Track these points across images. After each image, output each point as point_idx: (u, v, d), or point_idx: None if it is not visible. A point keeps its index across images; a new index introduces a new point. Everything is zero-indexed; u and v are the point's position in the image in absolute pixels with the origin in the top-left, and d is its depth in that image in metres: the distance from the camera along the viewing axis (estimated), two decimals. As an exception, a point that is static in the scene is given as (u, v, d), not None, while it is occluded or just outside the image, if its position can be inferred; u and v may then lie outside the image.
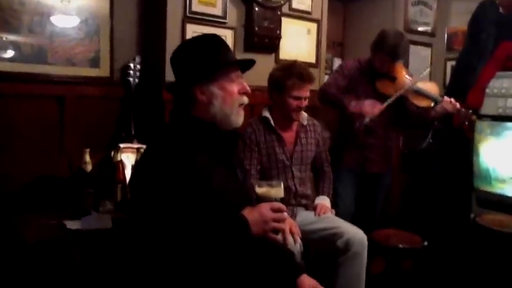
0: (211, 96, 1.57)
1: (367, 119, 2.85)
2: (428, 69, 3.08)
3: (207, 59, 1.57)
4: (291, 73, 2.51)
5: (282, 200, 1.54)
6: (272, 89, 2.59)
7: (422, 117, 3.05)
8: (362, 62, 3.05)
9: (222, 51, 1.63)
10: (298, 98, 2.52)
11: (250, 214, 1.46)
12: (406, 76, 3.00)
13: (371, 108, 2.84)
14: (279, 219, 1.49)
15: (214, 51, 1.60)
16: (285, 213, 1.51)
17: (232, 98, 1.59)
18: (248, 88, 1.64)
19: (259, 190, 1.55)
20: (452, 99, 2.89)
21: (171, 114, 1.66)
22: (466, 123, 2.93)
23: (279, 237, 2.17)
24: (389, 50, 2.84)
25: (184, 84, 1.58)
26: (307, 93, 2.54)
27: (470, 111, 2.95)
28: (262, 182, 1.63)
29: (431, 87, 3.06)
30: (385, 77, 2.96)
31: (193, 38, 1.74)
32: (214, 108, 1.57)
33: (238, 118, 1.63)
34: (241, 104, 1.63)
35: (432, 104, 2.96)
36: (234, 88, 1.60)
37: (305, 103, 2.55)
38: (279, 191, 1.55)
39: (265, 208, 1.47)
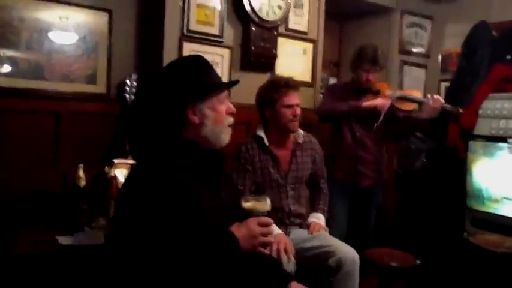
0: (203, 117, 1.58)
1: (382, 115, 2.95)
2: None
3: (200, 79, 1.59)
4: (276, 85, 2.58)
5: (268, 214, 1.55)
6: (263, 107, 2.61)
7: (413, 121, 3.14)
8: (347, 83, 3.20)
9: (211, 72, 1.65)
10: (290, 106, 2.54)
11: (238, 230, 1.47)
12: (388, 89, 3.13)
13: (382, 102, 2.98)
14: (266, 233, 1.50)
15: (205, 72, 1.62)
16: (272, 227, 1.52)
17: (221, 119, 1.61)
18: (233, 108, 1.66)
19: (246, 204, 1.56)
20: (435, 95, 3.03)
21: (163, 134, 1.63)
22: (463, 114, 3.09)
23: (273, 254, 2.19)
24: (369, 57, 2.98)
25: (176, 105, 1.58)
26: (297, 101, 2.59)
27: (460, 109, 3.09)
28: (249, 196, 1.65)
29: (414, 92, 3.24)
30: (369, 93, 3.08)
31: (179, 59, 1.77)
32: (205, 128, 1.58)
33: (227, 137, 1.64)
34: (229, 125, 1.65)
35: (417, 106, 3.10)
36: (223, 109, 1.62)
37: (298, 111, 2.57)
38: (264, 205, 1.57)
39: (252, 223, 1.48)
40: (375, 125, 2.98)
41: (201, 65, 1.65)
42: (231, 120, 1.65)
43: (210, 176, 1.62)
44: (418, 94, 3.24)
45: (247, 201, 1.57)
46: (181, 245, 1.38)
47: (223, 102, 1.63)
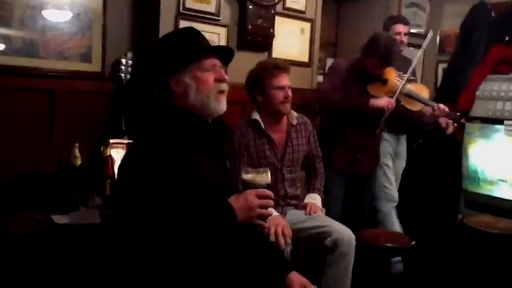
0: (185, 86, 1.57)
1: (387, 113, 2.88)
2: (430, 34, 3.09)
3: (177, 50, 1.58)
4: (266, 67, 2.54)
5: (268, 186, 1.53)
6: (253, 91, 2.57)
7: (413, 120, 3.08)
8: (352, 63, 3.02)
9: (194, 41, 1.61)
10: (282, 88, 2.51)
11: (235, 201, 1.46)
12: (397, 78, 2.99)
13: (388, 102, 2.87)
14: (265, 205, 1.48)
15: (185, 42, 1.60)
16: (271, 201, 1.51)
17: (207, 87, 1.58)
18: (225, 76, 1.63)
19: (246, 176, 1.55)
20: (441, 105, 2.90)
21: (158, 108, 1.66)
22: (455, 125, 2.95)
23: (270, 238, 2.20)
24: (381, 55, 2.82)
25: (158, 77, 1.59)
26: (288, 82, 2.54)
27: (458, 114, 2.98)
28: (249, 168, 1.63)
29: (422, 90, 3.08)
30: (376, 80, 2.95)
31: (169, 33, 1.73)
32: (190, 98, 1.57)
33: (219, 105, 1.61)
34: (221, 91, 1.61)
35: (423, 108, 2.97)
36: (208, 76, 1.59)
37: (290, 92, 2.53)
38: (265, 177, 1.55)
39: (250, 195, 1.46)
40: (379, 123, 2.92)
41: (187, 36, 1.63)
42: (222, 86, 1.62)
43: (212, 144, 1.61)
44: (425, 92, 3.08)
45: (247, 172, 1.55)
46: (178, 217, 1.38)
47: (208, 69, 1.59)
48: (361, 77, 2.97)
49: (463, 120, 3.02)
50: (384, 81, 2.95)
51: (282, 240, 2.24)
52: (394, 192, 3.45)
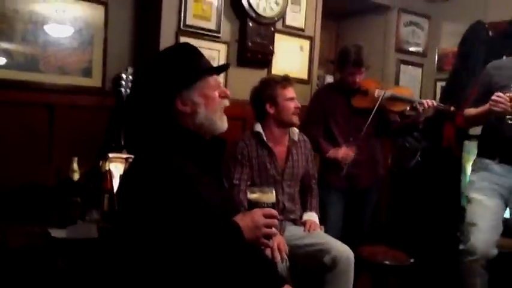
0: (194, 105, 1.56)
1: (345, 168, 2.92)
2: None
3: (184, 68, 1.57)
4: (275, 80, 2.63)
5: (273, 205, 1.54)
6: (263, 104, 2.60)
7: (405, 122, 3.13)
8: (333, 85, 3.17)
9: (197, 58, 1.62)
10: (292, 99, 2.59)
11: (242, 220, 1.46)
12: (377, 88, 3.06)
13: (345, 155, 2.93)
14: (270, 225, 1.48)
15: (190, 59, 1.60)
16: (276, 221, 1.51)
17: (214, 103, 1.60)
18: (227, 91, 1.65)
19: (251, 196, 1.56)
20: (429, 101, 2.98)
21: (161, 127, 1.61)
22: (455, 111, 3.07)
23: (267, 252, 2.19)
24: (353, 59, 2.94)
25: (164, 99, 1.56)
26: (295, 94, 2.63)
27: (451, 107, 3.09)
28: (254, 188, 1.64)
29: (404, 91, 3.18)
30: (358, 93, 3.04)
31: (165, 50, 1.70)
32: (199, 116, 1.57)
33: (223, 123, 1.63)
34: (223, 107, 1.64)
35: (408, 107, 3.02)
36: (215, 93, 1.61)
37: (299, 104, 2.62)
38: (270, 197, 1.55)
39: (257, 214, 1.47)
40: (363, 130, 2.93)
41: (186, 53, 1.63)
42: (225, 102, 1.64)
43: (211, 163, 1.62)
44: (408, 92, 3.18)
45: (252, 192, 1.56)
46: (184, 236, 1.38)
47: (213, 87, 1.61)
48: (344, 94, 3.05)
49: (453, 109, 3.09)
50: (365, 93, 3.03)
51: (277, 255, 2.24)
52: None
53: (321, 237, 2.53)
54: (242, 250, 1.47)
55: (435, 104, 3.02)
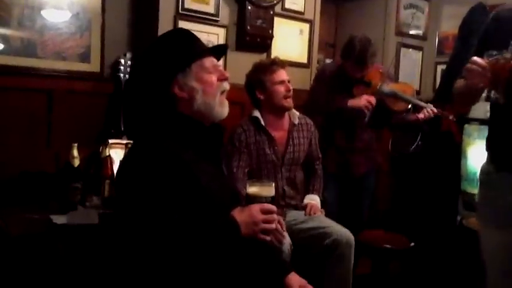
0: (191, 91, 1.53)
1: (368, 114, 2.88)
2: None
3: (178, 51, 1.54)
4: (263, 65, 2.60)
5: (272, 200, 1.53)
6: (254, 90, 2.59)
7: (404, 120, 3.08)
8: (336, 68, 3.06)
9: (191, 41, 1.59)
10: (282, 82, 2.55)
11: (240, 215, 1.45)
12: (382, 80, 3.00)
13: (367, 102, 2.86)
14: (269, 220, 1.47)
15: (184, 43, 1.57)
16: (275, 215, 1.51)
17: (213, 88, 1.56)
18: (227, 74, 1.61)
19: (250, 189, 1.54)
20: (430, 109, 2.91)
21: (159, 113, 1.59)
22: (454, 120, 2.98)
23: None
24: (356, 57, 2.83)
25: (160, 85, 1.53)
26: (287, 77, 2.58)
27: (450, 115, 2.99)
28: (254, 181, 1.62)
29: (405, 88, 3.07)
30: (361, 83, 2.97)
31: (161, 36, 1.67)
32: (197, 102, 1.54)
33: (223, 108, 1.59)
34: (223, 92, 1.60)
35: (409, 106, 2.98)
36: (213, 77, 1.56)
37: (290, 86, 2.57)
38: (269, 191, 1.54)
39: (255, 209, 1.46)
40: (365, 120, 2.91)
41: (180, 37, 1.60)
42: (225, 86, 1.60)
43: (210, 150, 1.60)
44: (410, 90, 3.08)
45: (251, 186, 1.55)
46: (182, 227, 1.37)
47: (209, 69, 1.56)
48: (346, 80, 2.98)
49: (450, 117, 2.99)
50: (368, 84, 2.96)
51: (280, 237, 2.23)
52: None
53: (322, 221, 2.53)
54: (241, 244, 1.47)
55: (435, 111, 2.93)
